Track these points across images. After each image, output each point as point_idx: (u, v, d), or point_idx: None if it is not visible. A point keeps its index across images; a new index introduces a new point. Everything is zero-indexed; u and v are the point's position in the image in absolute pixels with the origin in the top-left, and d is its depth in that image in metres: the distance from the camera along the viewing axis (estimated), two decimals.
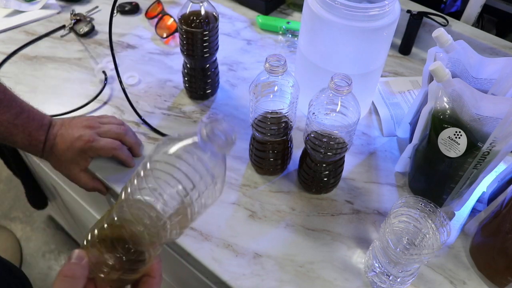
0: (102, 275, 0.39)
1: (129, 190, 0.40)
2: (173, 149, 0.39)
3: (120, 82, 0.76)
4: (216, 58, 0.76)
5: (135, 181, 0.40)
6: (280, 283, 0.56)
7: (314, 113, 0.55)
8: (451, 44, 0.60)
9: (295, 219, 0.63)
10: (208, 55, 0.72)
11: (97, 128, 0.64)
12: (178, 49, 0.89)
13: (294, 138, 0.70)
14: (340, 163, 0.63)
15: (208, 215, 0.63)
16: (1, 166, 1.27)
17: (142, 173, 0.39)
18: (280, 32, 0.96)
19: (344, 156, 0.62)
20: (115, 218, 0.40)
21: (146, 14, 0.98)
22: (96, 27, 0.93)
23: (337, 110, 0.54)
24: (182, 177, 0.38)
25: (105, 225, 0.40)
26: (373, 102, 0.81)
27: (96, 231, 0.40)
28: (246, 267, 0.57)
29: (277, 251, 0.59)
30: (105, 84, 0.80)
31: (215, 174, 0.40)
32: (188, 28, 0.68)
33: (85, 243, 0.40)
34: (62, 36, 0.92)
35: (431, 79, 0.61)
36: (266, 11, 1.00)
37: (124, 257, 0.39)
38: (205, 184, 0.39)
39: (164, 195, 0.38)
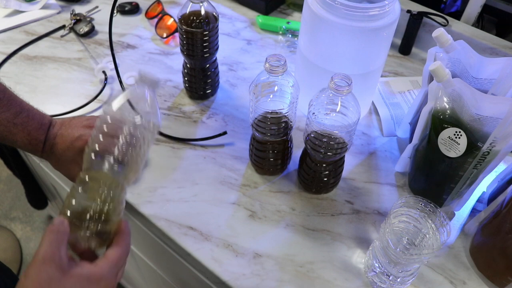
0: (82, 232, 0.46)
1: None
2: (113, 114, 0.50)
3: (120, 82, 0.76)
4: (216, 58, 0.76)
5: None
6: (280, 283, 0.56)
7: (314, 113, 0.55)
8: (451, 44, 0.60)
9: (295, 219, 0.63)
10: (208, 55, 0.72)
11: None
12: (178, 49, 0.89)
13: (294, 138, 0.70)
14: (340, 163, 0.63)
15: (208, 215, 0.63)
16: (1, 166, 1.27)
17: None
18: (280, 32, 0.96)
19: (344, 156, 0.62)
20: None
21: (146, 14, 0.98)
22: (96, 27, 0.93)
23: (337, 110, 0.54)
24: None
25: (73, 201, 0.46)
26: (373, 102, 0.81)
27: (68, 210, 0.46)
28: (246, 267, 0.57)
29: (277, 251, 0.59)
30: (105, 84, 0.80)
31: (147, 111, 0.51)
32: (188, 28, 0.68)
33: (63, 212, 0.47)
34: (62, 36, 0.92)
35: (431, 79, 0.61)
36: (266, 11, 1.00)
37: (94, 222, 0.46)
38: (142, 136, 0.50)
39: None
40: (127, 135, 0.49)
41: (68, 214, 0.45)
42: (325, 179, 0.63)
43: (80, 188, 0.47)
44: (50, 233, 0.42)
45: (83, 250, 0.47)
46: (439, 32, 0.59)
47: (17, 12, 0.96)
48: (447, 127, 0.55)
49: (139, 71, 0.51)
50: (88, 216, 0.45)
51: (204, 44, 0.70)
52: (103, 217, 0.46)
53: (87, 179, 0.47)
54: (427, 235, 0.52)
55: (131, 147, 0.49)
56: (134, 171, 0.50)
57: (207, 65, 0.75)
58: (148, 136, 0.51)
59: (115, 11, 0.96)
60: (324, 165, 0.61)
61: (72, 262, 0.43)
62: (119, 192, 0.48)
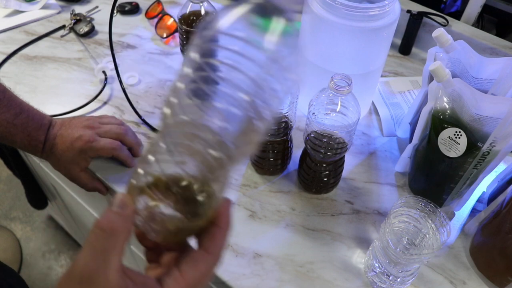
0: (154, 226, 0.30)
1: (169, 112, 0.29)
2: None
3: (120, 82, 0.76)
4: None
5: (175, 100, 0.29)
6: (280, 283, 0.56)
7: (314, 113, 0.55)
8: (451, 44, 0.60)
9: (295, 219, 0.63)
10: None
11: (97, 128, 0.64)
12: (178, 49, 0.89)
13: (294, 138, 0.70)
14: (340, 163, 0.63)
15: None
16: (1, 166, 1.27)
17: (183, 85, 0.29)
18: None
19: (344, 156, 0.62)
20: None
21: (146, 14, 0.98)
22: (96, 27, 0.93)
23: (337, 110, 0.54)
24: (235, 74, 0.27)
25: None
26: (373, 102, 0.81)
27: (141, 171, 0.30)
28: (246, 267, 0.57)
29: (277, 251, 0.59)
30: (105, 84, 0.80)
31: (280, 50, 0.28)
32: (188, 28, 0.68)
33: (130, 186, 0.31)
34: (62, 36, 0.92)
35: (431, 79, 0.61)
36: None
37: (181, 198, 0.29)
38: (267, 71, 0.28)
39: (219, 106, 0.28)
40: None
41: (138, 183, 0.29)
42: (325, 179, 0.63)
43: (167, 137, 0.29)
44: (96, 232, 0.28)
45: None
46: (439, 32, 0.59)
47: (17, 12, 0.96)
48: (447, 127, 0.55)
49: None
50: (173, 183, 0.29)
51: None
52: (198, 189, 0.29)
53: (184, 120, 0.28)
54: (427, 235, 0.52)
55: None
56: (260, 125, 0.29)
57: None
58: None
59: (115, 11, 0.96)
60: (324, 165, 0.61)
61: (125, 282, 0.28)
62: (232, 154, 0.29)
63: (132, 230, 0.30)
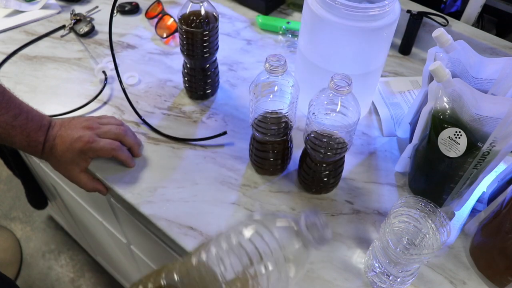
0: None
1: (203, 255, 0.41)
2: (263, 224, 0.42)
3: (120, 82, 0.76)
4: (216, 58, 0.76)
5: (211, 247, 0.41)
6: None
7: (314, 113, 0.55)
8: (451, 44, 0.60)
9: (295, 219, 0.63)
10: (208, 55, 0.72)
11: (97, 129, 0.64)
12: (178, 49, 0.89)
13: (294, 138, 0.70)
14: (340, 163, 0.63)
15: (208, 215, 0.63)
16: (1, 166, 1.27)
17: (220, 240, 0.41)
18: (280, 32, 0.96)
19: (344, 156, 0.62)
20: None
21: (146, 14, 0.98)
22: (96, 27, 0.93)
23: (337, 110, 0.54)
24: (252, 249, 0.40)
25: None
26: (373, 102, 0.81)
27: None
28: None
29: None
30: (105, 84, 0.80)
31: (294, 260, 0.41)
32: (188, 28, 0.68)
33: None
34: (62, 36, 0.92)
35: (431, 79, 0.61)
36: (266, 11, 1.00)
37: None
38: (275, 263, 0.40)
39: (227, 260, 0.40)
40: None
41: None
42: (325, 179, 0.63)
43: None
44: None
45: None
46: (439, 32, 0.59)
47: (17, 12, 0.96)
48: (447, 127, 0.55)
49: (306, 215, 0.42)
50: None
51: (204, 44, 0.70)
52: None
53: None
54: (427, 235, 0.52)
55: None
56: None
57: (207, 65, 0.75)
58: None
59: (115, 11, 0.96)
60: (324, 165, 0.61)
61: None
62: None
63: None
